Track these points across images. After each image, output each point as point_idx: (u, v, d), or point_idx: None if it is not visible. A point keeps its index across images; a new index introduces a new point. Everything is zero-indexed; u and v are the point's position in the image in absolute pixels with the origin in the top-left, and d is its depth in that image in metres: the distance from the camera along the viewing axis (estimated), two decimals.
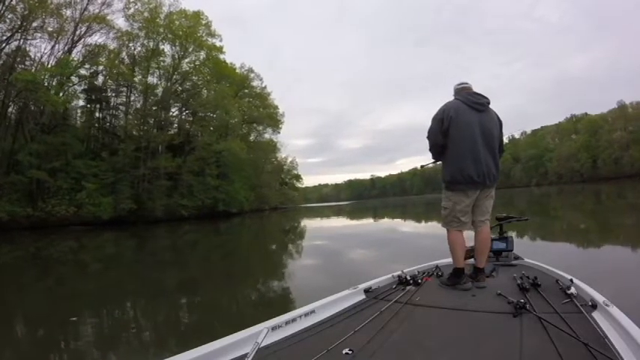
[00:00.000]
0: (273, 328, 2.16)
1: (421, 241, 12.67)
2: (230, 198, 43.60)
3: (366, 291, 3.01)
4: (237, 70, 53.86)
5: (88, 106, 40.83)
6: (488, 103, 3.34)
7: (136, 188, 37.11)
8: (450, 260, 3.41)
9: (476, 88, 3.44)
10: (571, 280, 2.75)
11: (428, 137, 3.39)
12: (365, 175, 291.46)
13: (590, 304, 2.33)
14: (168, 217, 36.87)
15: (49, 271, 11.27)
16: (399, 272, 3.38)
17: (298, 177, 76.87)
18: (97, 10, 36.72)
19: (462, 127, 3.18)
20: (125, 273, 10.32)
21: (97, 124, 41.57)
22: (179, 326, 5.37)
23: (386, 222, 24.90)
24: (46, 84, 32.45)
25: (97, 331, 5.27)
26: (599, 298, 2.32)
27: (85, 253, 16.00)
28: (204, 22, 43.38)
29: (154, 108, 42.19)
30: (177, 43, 42.14)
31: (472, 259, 3.41)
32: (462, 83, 3.45)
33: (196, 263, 11.34)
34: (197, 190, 41.00)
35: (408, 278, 3.23)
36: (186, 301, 6.96)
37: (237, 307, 6.24)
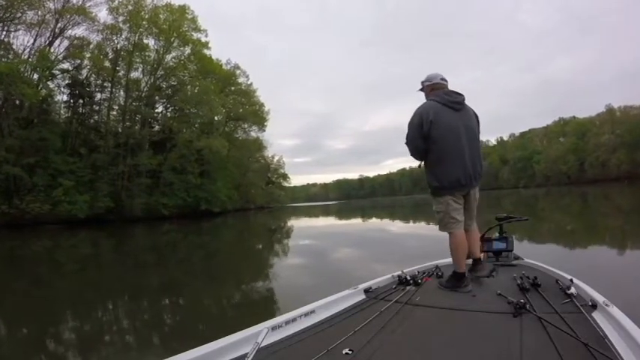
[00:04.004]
0: (273, 328, 2.14)
1: (411, 241, 12.67)
2: (212, 197, 43.00)
3: (366, 291, 2.99)
4: (224, 67, 53.14)
5: (71, 101, 39.88)
6: (464, 100, 3.23)
7: (115, 186, 36.30)
8: (449, 260, 3.34)
9: (456, 89, 3.29)
10: (571, 280, 2.73)
11: (407, 144, 3.27)
12: (353, 175, 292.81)
13: (590, 304, 2.32)
14: (148, 216, 36.23)
15: (24, 272, 10.73)
16: (398, 272, 3.35)
17: (285, 176, 76.60)
18: (79, 2, 36.04)
19: (445, 130, 3.07)
20: (104, 275, 9.86)
21: (78, 120, 40.51)
22: (166, 332, 5.11)
23: (374, 222, 24.64)
24: (24, 76, 31.39)
25: (85, 336, 5.00)
26: (599, 298, 2.31)
27: (62, 254, 15.42)
28: (189, 16, 42.58)
29: (134, 104, 41.47)
30: (161, 38, 41.38)
31: (469, 260, 3.38)
32: (436, 83, 3.31)
33: (179, 265, 10.87)
34: (178, 188, 40.34)
35: (408, 278, 3.20)
36: (171, 306, 6.57)
37: (225, 312, 5.99)
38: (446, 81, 3.31)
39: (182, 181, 40.74)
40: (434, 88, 3.28)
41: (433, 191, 3.24)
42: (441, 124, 3.06)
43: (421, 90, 3.44)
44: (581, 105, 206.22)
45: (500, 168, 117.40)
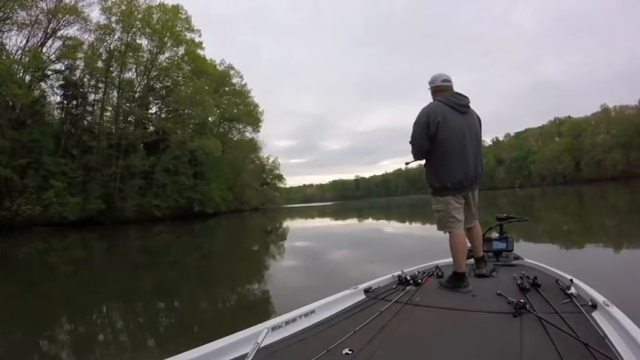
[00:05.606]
0: (273, 328, 2.15)
1: (409, 241, 12.71)
2: (206, 198, 42.72)
3: (366, 291, 3.00)
4: (218, 67, 52.96)
5: (64, 102, 39.51)
6: (469, 103, 3.27)
7: (107, 187, 36.02)
8: (449, 260, 3.36)
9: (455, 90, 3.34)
10: (571, 280, 2.74)
11: (412, 142, 3.24)
12: (350, 176, 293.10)
13: (590, 304, 2.33)
14: (141, 218, 35.93)
15: (15, 275, 10.64)
16: (399, 272, 3.37)
17: (280, 177, 76.47)
18: (72, 2, 35.80)
19: (451, 132, 3.08)
20: (98, 277, 9.67)
21: (71, 121, 40.13)
22: (166, 334, 4.98)
23: (371, 223, 24.51)
24: (15, 77, 31.07)
25: (82, 340, 4.86)
26: (599, 298, 2.32)
27: (54, 256, 15.14)
28: (183, 16, 42.50)
29: (128, 105, 41.29)
30: (154, 38, 41.16)
31: (471, 259, 3.44)
32: (446, 80, 3.31)
33: (173, 267, 10.76)
34: (171, 189, 40.01)
35: (408, 278, 3.22)
36: (169, 308, 6.42)
37: (224, 314, 5.90)
38: (449, 81, 3.31)
39: (175, 182, 40.39)
40: (437, 90, 3.30)
41: (434, 191, 3.25)
42: (448, 126, 3.07)
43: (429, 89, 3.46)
44: (577, 105, 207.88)
45: (496, 168, 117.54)
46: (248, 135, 59.95)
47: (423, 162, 3.36)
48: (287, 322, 2.27)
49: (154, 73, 43.02)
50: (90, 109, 41.29)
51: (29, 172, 31.53)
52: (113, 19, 38.73)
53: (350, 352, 1.89)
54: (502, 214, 4.31)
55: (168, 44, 42.46)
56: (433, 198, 3.28)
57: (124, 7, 38.72)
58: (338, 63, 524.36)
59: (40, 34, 34.73)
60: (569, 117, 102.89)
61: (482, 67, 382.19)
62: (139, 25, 40.09)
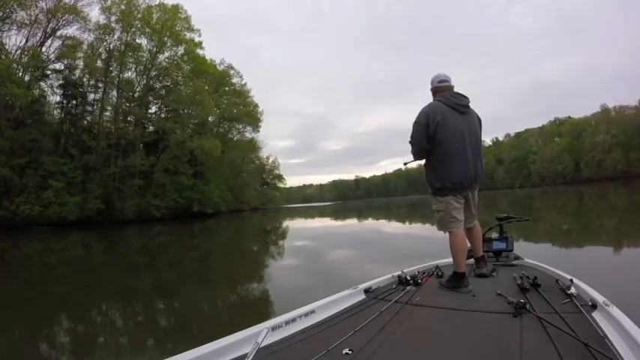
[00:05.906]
0: (273, 328, 2.15)
1: (409, 241, 12.77)
2: (205, 198, 42.58)
3: (366, 291, 3.00)
4: (217, 67, 52.90)
5: (64, 101, 39.46)
6: (469, 103, 3.28)
7: (106, 187, 35.91)
8: (449, 260, 3.36)
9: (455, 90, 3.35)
10: (571, 280, 2.73)
11: (411, 142, 3.25)
12: (349, 176, 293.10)
13: (590, 304, 2.32)
14: (140, 218, 35.84)
15: (15, 275, 10.62)
16: (398, 272, 3.37)
17: (280, 177, 76.34)
18: (71, 2, 35.75)
19: (450, 133, 3.09)
20: (98, 278, 9.65)
21: (71, 120, 40.04)
22: (166, 335, 4.98)
23: (371, 223, 24.50)
24: (14, 77, 30.93)
25: (82, 342, 4.83)
26: (599, 298, 2.31)
27: (53, 256, 15.15)
28: (182, 16, 42.37)
29: (127, 104, 41.23)
30: (154, 37, 41.05)
31: (471, 259, 3.43)
32: (443, 80, 3.33)
33: (173, 267, 10.81)
34: (170, 189, 39.85)
35: (408, 278, 3.21)
36: (170, 308, 6.40)
37: (224, 314, 5.91)
38: (446, 81, 3.32)
39: (174, 182, 40.16)
40: (436, 91, 3.32)
41: (434, 191, 3.25)
42: (447, 126, 3.07)
43: None
44: (577, 105, 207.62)
45: (496, 168, 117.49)
46: (248, 135, 60.01)
47: (422, 162, 3.35)
48: (287, 322, 2.27)
49: (154, 73, 42.90)
50: (89, 108, 41.17)
51: (28, 171, 31.48)
52: (113, 18, 38.65)
53: (350, 352, 1.88)
54: (502, 214, 4.31)
55: (168, 44, 42.38)
56: (433, 198, 3.28)
57: (123, 7, 38.61)
58: (338, 63, 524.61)
59: (39, 34, 34.74)
60: (569, 117, 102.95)
61: (482, 67, 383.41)
62: (139, 25, 39.99)
